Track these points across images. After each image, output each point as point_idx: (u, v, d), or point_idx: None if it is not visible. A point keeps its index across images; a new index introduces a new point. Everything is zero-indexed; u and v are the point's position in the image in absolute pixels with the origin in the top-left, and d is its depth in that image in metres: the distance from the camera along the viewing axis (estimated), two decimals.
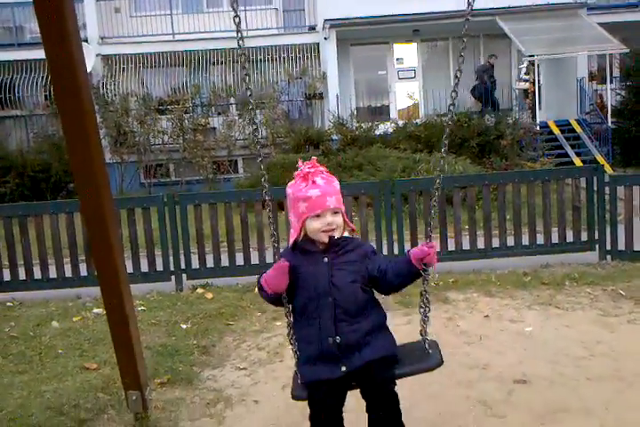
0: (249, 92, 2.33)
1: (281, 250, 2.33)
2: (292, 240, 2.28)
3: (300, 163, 2.26)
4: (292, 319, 2.33)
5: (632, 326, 4.16)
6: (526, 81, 14.45)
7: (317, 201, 2.19)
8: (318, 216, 2.20)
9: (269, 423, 3.09)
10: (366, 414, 2.34)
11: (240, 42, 2.16)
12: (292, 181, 2.26)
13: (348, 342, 2.20)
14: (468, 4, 2.29)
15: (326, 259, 2.23)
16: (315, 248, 2.25)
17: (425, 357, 2.35)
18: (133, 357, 2.95)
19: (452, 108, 2.40)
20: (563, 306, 4.65)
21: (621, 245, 5.95)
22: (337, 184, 2.26)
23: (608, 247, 6.03)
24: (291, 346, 2.36)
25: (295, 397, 2.34)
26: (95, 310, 5.14)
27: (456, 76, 2.39)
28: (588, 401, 3.08)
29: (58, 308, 5.40)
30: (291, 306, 2.33)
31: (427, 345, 2.38)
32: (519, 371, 3.49)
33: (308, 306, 2.23)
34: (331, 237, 2.23)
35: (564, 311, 4.54)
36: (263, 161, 2.33)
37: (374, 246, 2.56)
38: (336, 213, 2.22)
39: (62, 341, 4.44)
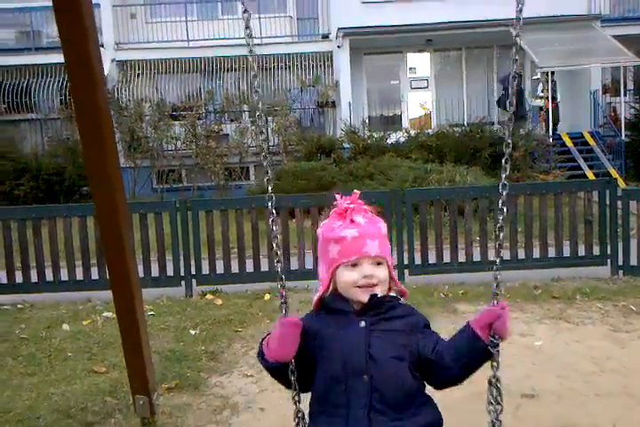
0: (256, 96, 1.87)
1: (298, 314, 1.70)
2: (316, 299, 1.68)
3: (338, 197, 1.69)
4: (301, 407, 1.72)
5: None
6: (542, 98, 14.33)
7: (353, 244, 1.60)
8: (354, 266, 1.60)
9: None
10: None
11: (249, 40, 1.83)
12: (326, 220, 1.70)
13: None
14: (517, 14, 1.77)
15: (363, 323, 1.59)
16: (348, 307, 1.62)
17: None
18: (142, 361, 2.97)
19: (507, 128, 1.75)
20: (573, 320, 4.62)
21: (634, 261, 5.92)
22: (383, 226, 1.67)
23: (620, 262, 5.99)
24: None
25: None
26: (105, 314, 5.16)
27: (507, 86, 2.17)
28: (597, 417, 3.06)
29: (68, 311, 5.44)
30: (299, 394, 1.70)
31: None
32: (527, 385, 3.48)
33: (332, 389, 1.58)
34: (372, 295, 1.60)
35: (574, 326, 4.51)
36: (271, 167, 1.90)
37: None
38: (379, 263, 1.61)
39: (72, 344, 4.47)
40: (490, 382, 1.63)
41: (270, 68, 15.05)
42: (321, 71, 15.38)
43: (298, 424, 1.73)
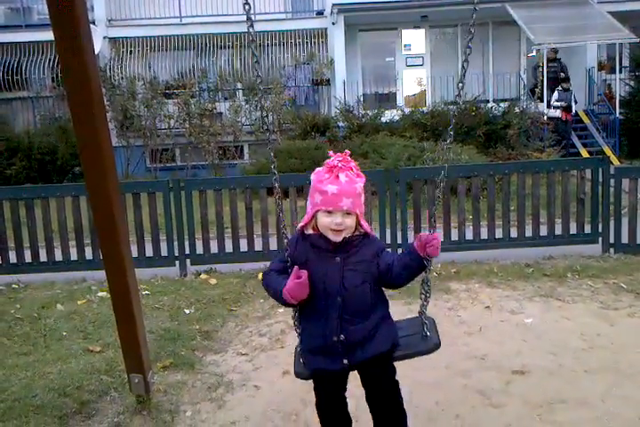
0: (259, 80, 2.35)
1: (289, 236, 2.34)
2: (301, 225, 2.27)
3: (331, 153, 2.22)
4: (297, 307, 2.33)
5: (632, 319, 4.18)
6: (557, 108, 13.23)
7: (332, 198, 2.13)
8: (329, 213, 2.15)
9: (269, 408, 3.14)
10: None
11: (251, 29, 2.16)
12: (319, 168, 2.21)
13: (352, 340, 2.21)
14: None
15: (338, 259, 2.20)
16: (326, 245, 2.20)
17: (423, 339, 2.39)
18: (137, 340, 2.99)
19: (458, 99, 2.41)
20: (564, 298, 4.67)
21: (625, 239, 5.96)
22: (360, 186, 2.18)
23: (611, 240, 6.03)
24: (295, 328, 2.38)
25: (297, 374, 2.41)
26: (100, 294, 5.19)
27: (463, 67, 2.34)
28: (586, 393, 3.12)
29: (63, 291, 5.46)
30: None
31: (425, 328, 2.40)
32: (518, 362, 3.53)
33: (316, 303, 2.21)
34: (343, 238, 2.19)
35: (564, 303, 4.56)
36: (271, 148, 2.30)
37: (382, 241, 2.46)
38: (349, 214, 2.16)
39: (67, 323, 4.50)
40: (423, 281, 2.35)
41: (264, 45, 14.88)
42: (315, 48, 15.22)
43: (295, 316, 2.35)
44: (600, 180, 6.06)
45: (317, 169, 2.22)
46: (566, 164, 6.43)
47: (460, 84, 2.33)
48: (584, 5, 14.47)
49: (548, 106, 13.44)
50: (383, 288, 2.33)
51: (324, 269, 2.19)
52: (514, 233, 6.11)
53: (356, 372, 2.36)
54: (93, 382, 3.42)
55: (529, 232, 6.12)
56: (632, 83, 14.30)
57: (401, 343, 2.35)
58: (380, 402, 2.34)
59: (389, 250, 2.42)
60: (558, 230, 6.12)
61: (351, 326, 2.21)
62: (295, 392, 3.25)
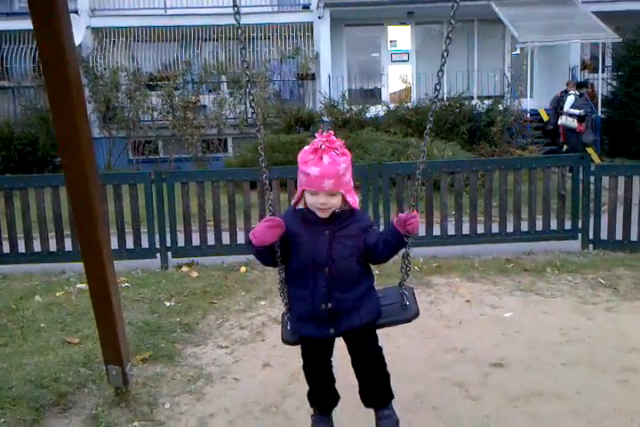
0: (245, 65, 2.36)
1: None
2: (293, 202, 2.37)
3: (318, 133, 2.26)
4: (284, 276, 2.43)
5: (609, 313, 4.24)
6: (574, 116, 11.74)
7: (314, 180, 2.20)
8: (315, 193, 2.24)
9: (249, 401, 3.13)
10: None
11: (237, 16, 2.22)
12: (306, 147, 2.26)
13: (338, 309, 2.33)
14: None
15: (327, 231, 2.30)
16: (316, 219, 2.30)
17: (403, 309, 2.50)
18: (115, 331, 2.97)
19: (437, 86, 2.41)
20: (543, 293, 4.72)
21: (604, 235, 6.03)
22: (343, 166, 2.23)
23: (591, 236, 6.10)
24: (280, 295, 2.49)
25: (284, 340, 2.53)
26: (79, 285, 5.13)
27: (443, 56, 2.36)
28: (562, 385, 3.15)
29: (41, 282, 5.40)
30: (283, 266, 2.42)
31: (404, 298, 2.51)
32: (496, 355, 3.56)
33: (304, 272, 2.33)
34: (333, 211, 2.29)
35: (543, 298, 4.61)
36: (260, 143, 2.40)
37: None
38: (332, 194, 2.24)
39: (45, 315, 4.45)
40: (403, 256, 2.47)
41: (249, 39, 14.79)
42: (301, 42, 15.16)
43: (282, 286, 2.46)
44: (581, 177, 6.12)
45: (304, 148, 2.27)
46: (548, 161, 6.49)
47: (440, 73, 2.34)
48: (568, 5, 14.58)
49: (558, 111, 12.44)
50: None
51: (313, 240, 2.30)
52: (495, 229, 6.15)
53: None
54: (71, 373, 3.38)
55: (510, 228, 6.17)
56: (614, 82, 14.46)
57: (382, 312, 2.45)
58: (366, 368, 2.43)
59: (375, 228, 2.45)
60: (539, 226, 6.18)
61: (338, 294, 2.32)
62: (275, 384, 3.25)
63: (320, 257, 2.29)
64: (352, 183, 2.34)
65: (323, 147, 2.20)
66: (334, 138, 2.24)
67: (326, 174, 2.19)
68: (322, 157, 2.20)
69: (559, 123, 12.07)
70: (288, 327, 2.49)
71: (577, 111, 11.77)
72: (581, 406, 2.94)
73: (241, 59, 2.20)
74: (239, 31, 2.22)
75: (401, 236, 2.31)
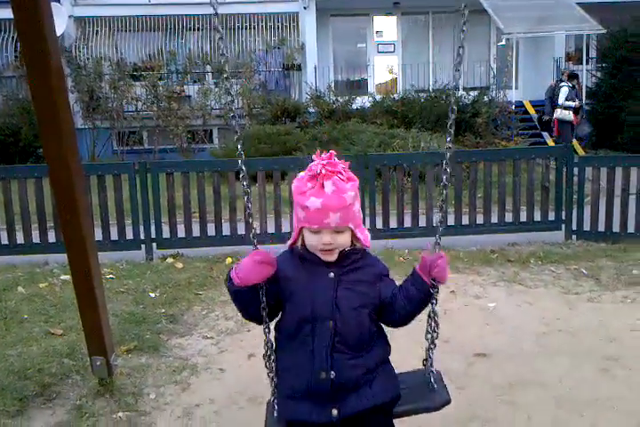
0: (223, 59, 1.93)
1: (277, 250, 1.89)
2: (289, 243, 1.87)
3: (316, 155, 1.78)
4: (271, 338, 1.91)
5: (591, 303, 4.29)
6: (570, 109, 11.53)
7: (316, 215, 1.72)
8: (317, 232, 1.76)
9: (234, 391, 3.14)
10: None
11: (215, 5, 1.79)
12: (301, 174, 1.80)
13: (344, 380, 1.77)
14: None
15: (332, 274, 1.79)
16: (318, 259, 1.80)
17: (429, 393, 2.00)
18: (99, 322, 2.95)
19: (455, 84, 2.06)
20: (526, 283, 4.76)
21: (587, 226, 6.09)
22: (350, 194, 1.74)
23: (574, 227, 6.16)
24: (267, 372, 1.93)
25: None
26: (63, 277, 5.10)
27: (458, 54, 2.02)
28: (545, 374, 3.20)
29: (24, 273, 5.34)
30: (273, 324, 1.91)
31: (432, 379, 2.02)
32: (480, 344, 3.59)
33: (300, 329, 1.80)
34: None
35: (527, 288, 4.66)
36: (240, 136, 2.02)
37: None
38: (340, 231, 1.76)
39: (28, 306, 4.41)
40: (429, 315, 1.96)
41: (234, 28, 14.68)
42: (286, 33, 15.07)
43: (267, 353, 1.92)
44: (564, 168, 6.17)
45: (299, 175, 1.80)
46: (532, 152, 6.54)
47: (457, 73, 2.05)
48: None
49: (552, 104, 12.12)
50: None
51: (313, 285, 1.79)
52: (480, 220, 6.19)
53: None
54: (55, 364, 3.37)
55: (495, 219, 6.22)
56: (598, 74, 14.54)
57: (402, 397, 1.91)
58: None
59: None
60: (523, 217, 6.23)
61: (344, 360, 1.77)
62: (260, 375, 3.23)
63: (322, 307, 1.76)
64: (361, 215, 1.85)
65: (323, 172, 1.72)
66: (336, 159, 1.77)
67: (330, 206, 1.71)
68: (323, 185, 1.72)
69: (554, 116, 11.76)
70: (275, 414, 1.91)
71: (572, 103, 11.56)
72: (563, 394, 2.99)
73: (219, 51, 1.85)
74: (216, 21, 1.82)
75: (427, 286, 1.82)
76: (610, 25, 13.61)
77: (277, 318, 1.90)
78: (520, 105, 14.13)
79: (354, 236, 1.80)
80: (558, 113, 11.66)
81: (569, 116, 11.54)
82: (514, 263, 5.30)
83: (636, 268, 5.04)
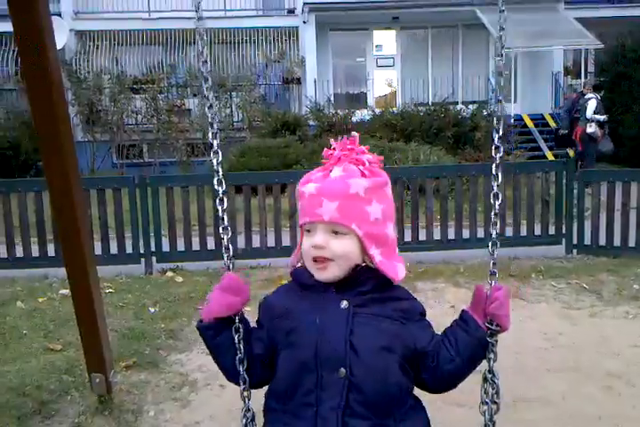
0: (206, 68, 1.56)
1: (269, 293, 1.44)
2: (291, 259, 1.40)
3: (336, 142, 1.37)
4: (247, 397, 1.44)
5: (593, 319, 4.27)
6: (598, 122, 10.56)
7: (309, 203, 1.29)
8: (309, 232, 1.31)
9: (234, 408, 3.07)
10: None
11: (199, 22, 1.60)
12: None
13: None
14: None
15: (345, 302, 1.29)
16: (323, 283, 1.31)
17: None
18: (98, 339, 2.93)
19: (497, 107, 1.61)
20: (528, 298, 4.74)
21: (587, 240, 6.08)
22: (360, 183, 1.28)
23: (574, 241, 6.15)
24: None
25: None
26: (62, 291, 5.06)
27: (499, 73, 1.54)
28: (547, 391, 3.17)
29: (24, 288, 5.31)
30: (247, 385, 1.41)
31: None
32: (483, 361, 3.56)
33: (300, 383, 1.27)
34: (356, 266, 1.29)
35: (528, 303, 4.64)
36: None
37: None
38: (338, 233, 1.27)
39: (27, 321, 4.38)
40: (485, 379, 1.45)
41: (234, 42, 14.80)
42: (286, 46, 15.19)
43: (246, 425, 1.42)
44: (564, 182, 6.17)
45: None
46: (532, 166, 6.56)
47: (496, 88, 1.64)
48: (552, 11, 14.76)
49: (572, 115, 11.18)
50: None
51: (317, 319, 1.28)
52: (480, 233, 6.18)
53: None
54: (53, 381, 3.33)
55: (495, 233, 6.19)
56: None
57: None
58: None
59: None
60: (523, 231, 6.22)
61: (361, 423, 1.25)
62: (261, 391, 3.22)
63: (331, 349, 1.25)
64: (389, 232, 1.33)
65: (342, 153, 1.33)
66: (362, 148, 1.36)
67: (326, 192, 1.27)
68: (331, 171, 1.31)
69: (588, 131, 10.53)
70: None
71: (601, 117, 10.58)
72: (567, 412, 2.96)
73: (203, 68, 1.53)
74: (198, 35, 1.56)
75: (482, 330, 1.35)
76: (607, 40, 13.73)
77: (268, 375, 1.38)
78: (519, 118, 14.19)
79: (365, 252, 1.28)
80: (592, 128, 10.50)
81: (598, 131, 10.53)
82: (515, 278, 5.28)
83: (637, 282, 5.03)
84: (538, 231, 6.22)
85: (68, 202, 2.67)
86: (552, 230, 6.23)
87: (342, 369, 1.24)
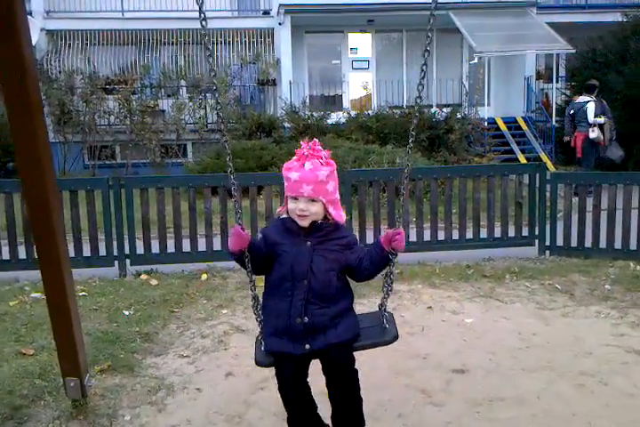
0: (213, 73, 2.55)
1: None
2: (279, 210, 2.44)
3: (304, 142, 2.31)
4: (256, 293, 2.43)
5: (566, 319, 4.34)
6: (600, 125, 9.85)
7: (294, 185, 2.28)
8: (295, 199, 2.29)
9: (211, 411, 3.08)
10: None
11: (203, 23, 2.41)
12: (294, 156, 2.33)
13: (314, 324, 2.29)
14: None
15: (309, 243, 2.32)
16: (297, 229, 2.33)
17: (382, 331, 2.47)
18: (73, 342, 2.88)
19: (418, 100, 2.55)
20: (502, 299, 4.80)
21: (560, 241, 6.18)
22: (323, 172, 2.27)
23: (547, 243, 6.24)
24: (254, 313, 2.46)
25: (258, 363, 2.43)
26: (34, 295, 4.98)
27: (422, 70, 2.44)
28: (522, 390, 3.20)
29: None
30: (254, 282, 2.44)
31: (384, 320, 2.50)
32: (458, 361, 3.60)
33: (283, 283, 2.32)
34: (314, 222, 2.32)
35: (503, 304, 4.69)
36: (229, 149, 2.46)
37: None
38: (313, 201, 2.28)
39: None
40: (386, 274, 2.44)
41: (209, 43, 14.69)
42: (262, 48, 15.15)
43: (254, 304, 2.46)
44: (537, 185, 6.27)
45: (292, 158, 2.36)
46: (505, 169, 6.63)
47: (420, 87, 2.51)
48: (524, 16, 14.99)
49: (579, 122, 10.14)
50: (349, 279, 2.44)
51: (294, 251, 2.31)
52: (455, 235, 6.24)
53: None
54: (26, 386, 3.27)
55: (470, 234, 6.27)
56: (567, 92, 14.87)
57: (361, 334, 2.41)
58: (339, 389, 2.39)
59: (361, 245, 2.51)
60: (497, 233, 6.29)
61: (315, 309, 2.29)
62: (238, 394, 3.21)
63: (300, 269, 2.29)
64: (337, 196, 2.37)
65: (306, 154, 2.27)
66: (320, 147, 2.31)
67: (305, 179, 2.25)
68: (304, 164, 2.26)
69: (591, 137, 9.92)
70: (262, 348, 2.41)
71: (601, 120, 9.86)
72: (541, 410, 3.00)
73: (209, 67, 2.47)
74: (205, 38, 2.35)
75: (386, 253, 2.32)
76: (578, 44, 13.98)
77: (270, 271, 2.38)
78: (492, 122, 14.37)
79: (326, 210, 2.32)
80: (595, 133, 9.86)
81: (600, 135, 9.87)
82: (489, 279, 5.35)
83: (608, 283, 5.13)
84: (511, 233, 6.30)
85: (43, 205, 2.63)
86: (525, 232, 6.32)
87: (305, 281, 2.29)
